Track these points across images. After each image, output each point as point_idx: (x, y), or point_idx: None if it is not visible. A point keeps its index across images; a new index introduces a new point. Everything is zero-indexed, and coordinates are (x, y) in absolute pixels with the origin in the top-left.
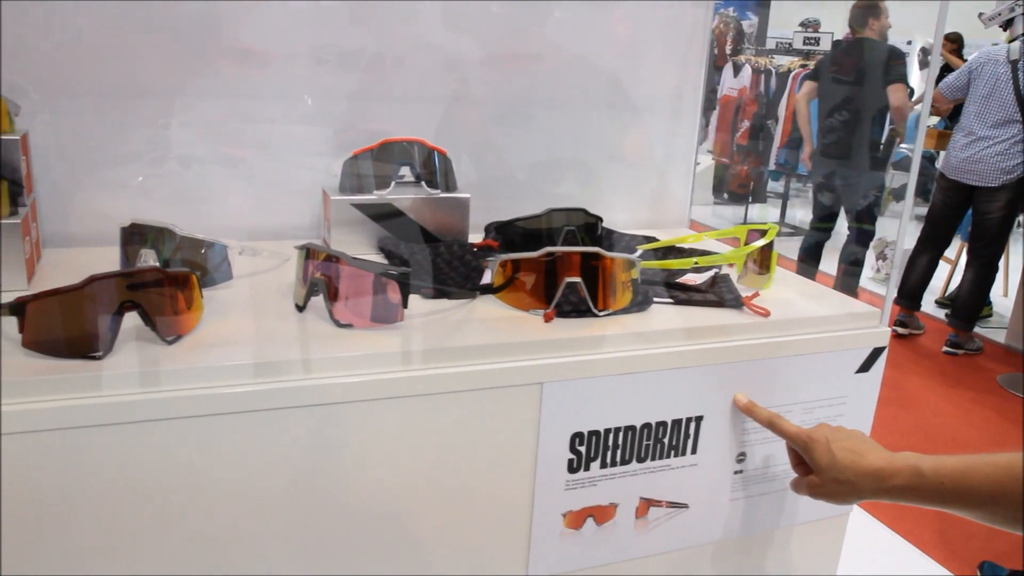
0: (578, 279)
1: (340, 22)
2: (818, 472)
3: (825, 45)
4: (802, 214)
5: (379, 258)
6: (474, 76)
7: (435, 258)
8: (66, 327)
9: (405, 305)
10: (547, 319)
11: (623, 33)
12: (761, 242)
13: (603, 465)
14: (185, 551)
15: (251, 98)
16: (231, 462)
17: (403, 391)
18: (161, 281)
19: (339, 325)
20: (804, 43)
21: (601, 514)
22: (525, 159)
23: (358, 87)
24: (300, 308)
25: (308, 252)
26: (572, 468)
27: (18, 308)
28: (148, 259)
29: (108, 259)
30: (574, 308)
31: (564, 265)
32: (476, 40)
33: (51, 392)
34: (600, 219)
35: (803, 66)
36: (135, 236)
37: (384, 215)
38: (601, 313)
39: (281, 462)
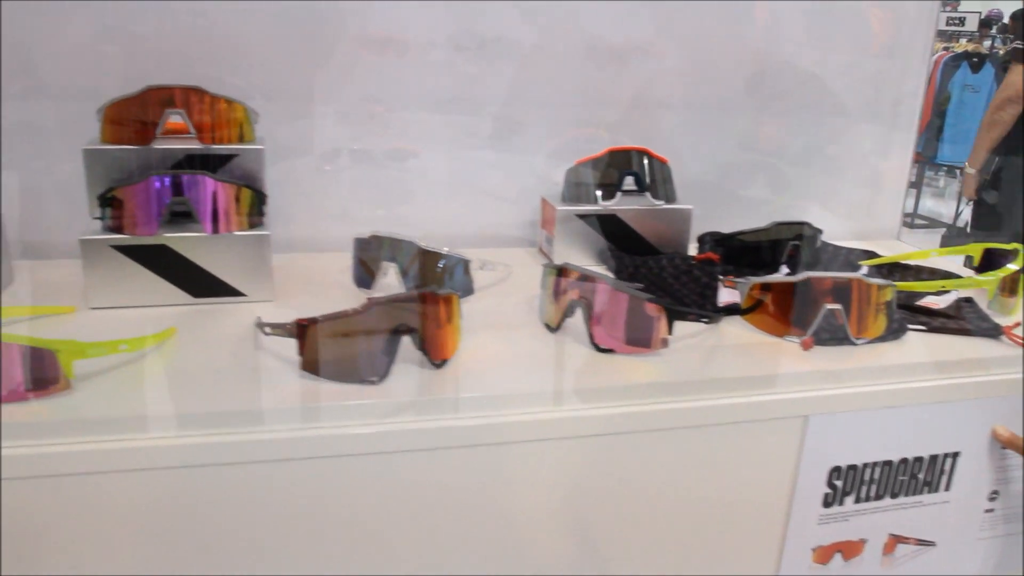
0: (838, 306)
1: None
2: None
3: (971, 25)
4: (931, 204)
5: (603, 270)
6: (653, 74)
7: (660, 271)
8: (345, 351)
9: (670, 332)
10: (806, 347)
11: (832, 31)
12: (1015, 266)
13: (857, 500)
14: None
15: (441, 102)
16: (516, 488)
17: (670, 423)
18: (437, 303)
19: (599, 350)
20: (946, 23)
21: (850, 549)
22: (716, 161)
23: (543, 85)
24: (553, 329)
25: (560, 271)
26: (827, 503)
27: (298, 330)
28: (389, 272)
29: (336, 266)
30: (832, 335)
31: (822, 290)
32: (658, 36)
33: (337, 418)
34: (820, 231)
35: (946, 48)
36: (371, 246)
37: (608, 226)
38: (859, 341)
39: (554, 490)
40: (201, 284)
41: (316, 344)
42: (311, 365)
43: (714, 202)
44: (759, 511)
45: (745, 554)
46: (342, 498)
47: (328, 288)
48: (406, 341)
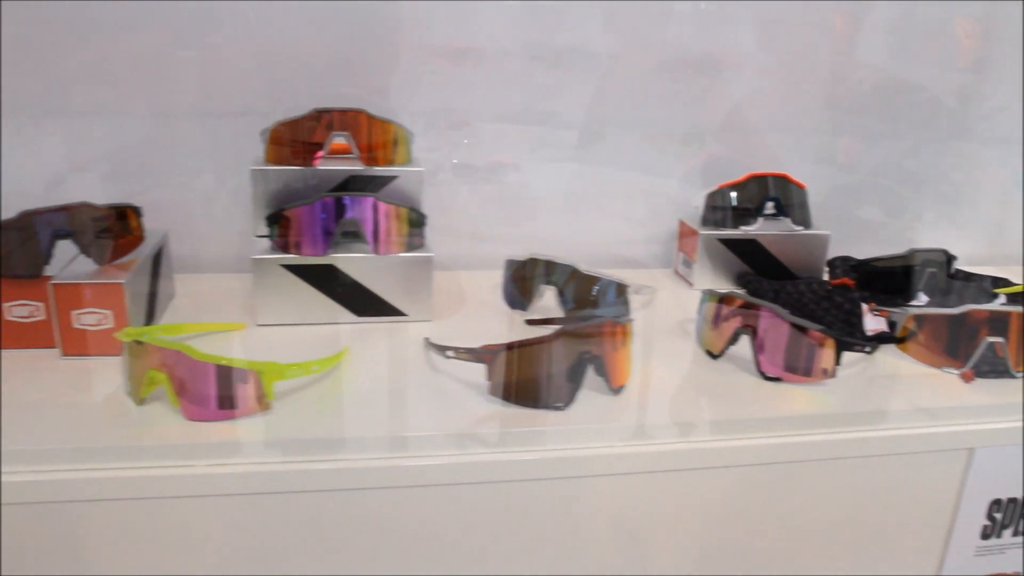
0: (1000, 339)
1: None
2: None
3: None
4: None
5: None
6: (747, 88)
7: (799, 296)
8: (533, 377)
9: (838, 362)
10: (967, 379)
11: (948, 46)
12: None
13: (1015, 533)
14: None
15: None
16: (696, 512)
17: (839, 453)
18: (618, 330)
19: (766, 378)
20: None
21: None
22: (823, 184)
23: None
24: (715, 356)
25: (723, 298)
26: (985, 535)
27: (488, 356)
28: (545, 294)
29: (480, 285)
30: (991, 368)
31: (982, 321)
32: (755, 47)
33: (537, 442)
34: (955, 258)
35: None
36: (526, 267)
37: (747, 250)
38: (1018, 374)
39: (724, 516)
40: (364, 303)
41: (505, 369)
42: (499, 390)
43: (827, 225)
44: (917, 541)
45: None
46: (542, 519)
47: (480, 308)
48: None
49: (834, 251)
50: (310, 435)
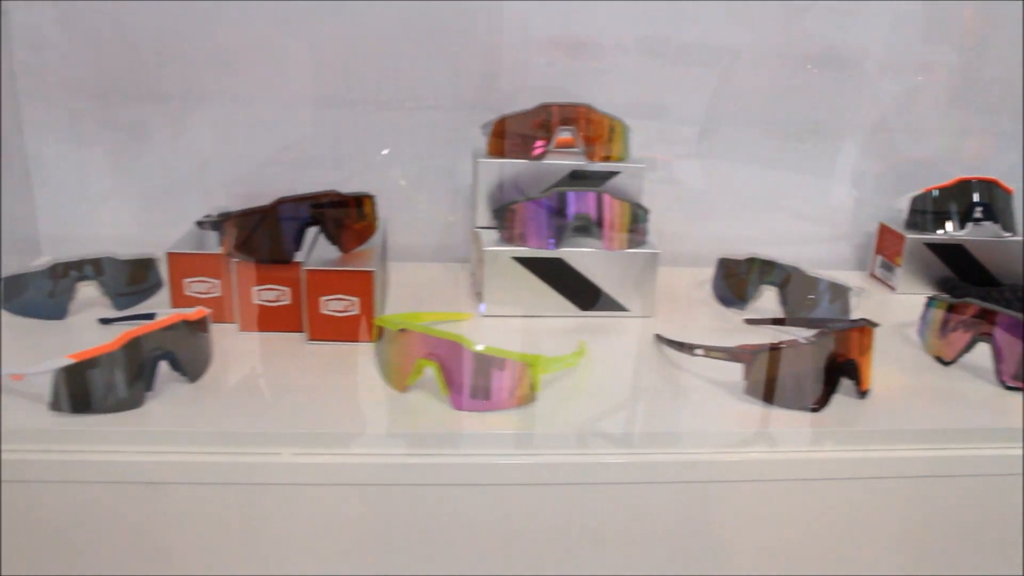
0: None
1: None
2: None
3: None
4: None
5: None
6: (897, 85)
7: (1008, 304)
8: (789, 378)
9: None
10: None
11: None
12: None
13: None
14: None
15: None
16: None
17: None
18: (864, 336)
19: (1006, 387)
20: None
21: None
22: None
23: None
24: (945, 363)
25: (953, 306)
26: None
27: (749, 356)
28: (764, 294)
29: (682, 282)
30: None
31: None
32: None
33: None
34: None
35: None
36: (742, 267)
37: (953, 255)
38: None
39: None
40: (589, 298)
41: (764, 369)
42: (757, 389)
43: None
44: None
45: None
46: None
47: (693, 305)
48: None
49: None
50: (579, 428)
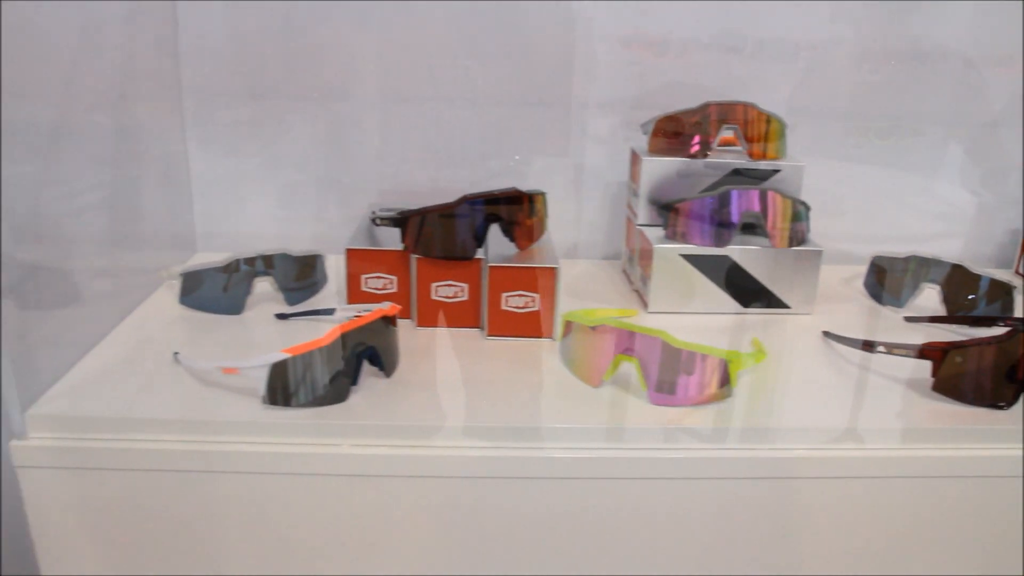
0: None
1: None
2: None
3: None
4: None
5: None
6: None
7: None
8: (978, 376)
9: None
10: None
11: None
12: None
13: None
14: None
15: None
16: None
17: None
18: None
19: None
20: None
21: None
22: None
23: None
24: None
25: None
26: None
27: (939, 354)
28: (924, 291)
29: (830, 279)
30: None
31: None
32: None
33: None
34: None
35: None
36: (899, 265)
37: None
38: None
39: None
40: (753, 295)
41: (952, 367)
42: (946, 386)
43: None
44: None
45: None
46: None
47: (847, 302)
48: None
49: None
50: (771, 424)
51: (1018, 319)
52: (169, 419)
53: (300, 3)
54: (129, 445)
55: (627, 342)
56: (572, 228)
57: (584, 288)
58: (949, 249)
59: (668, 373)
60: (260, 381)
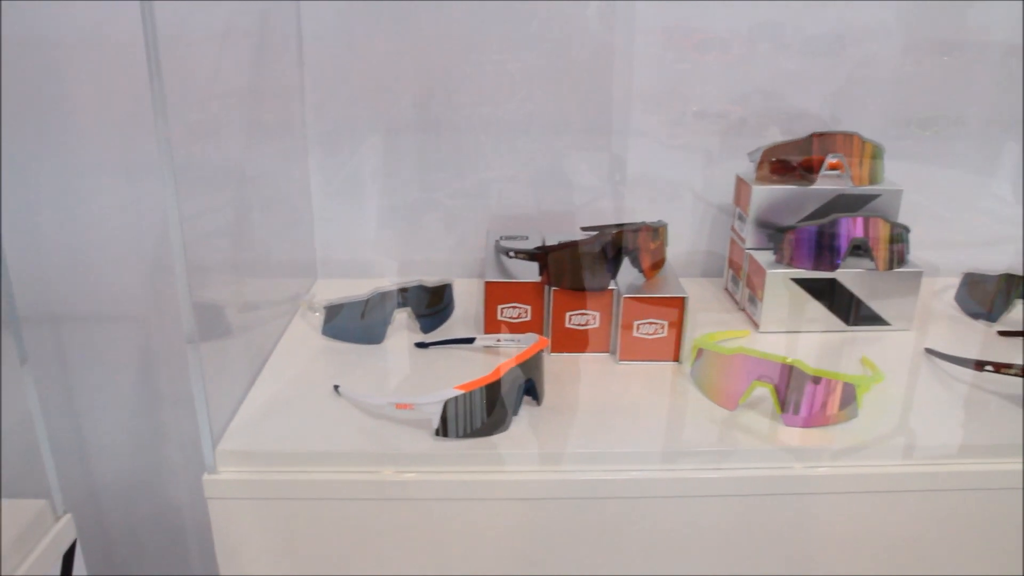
0: None
1: None
2: None
3: None
4: None
5: None
6: None
7: None
8: None
9: None
10: None
11: None
12: None
13: None
14: None
15: None
16: None
17: None
18: None
19: None
20: None
21: None
22: None
23: None
24: None
25: None
26: None
27: None
28: (1017, 307)
29: (927, 290)
30: None
31: None
32: None
33: None
34: None
35: None
36: (990, 281)
37: None
38: None
39: None
40: (857, 314)
41: None
42: None
43: None
44: None
45: None
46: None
47: (941, 319)
48: None
49: None
50: (897, 441)
51: None
52: (347, 452)
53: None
54: (310, 477)
55: (763, 369)
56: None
57: (693, 308)
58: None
59: (800, 396)
60: (434, 415)
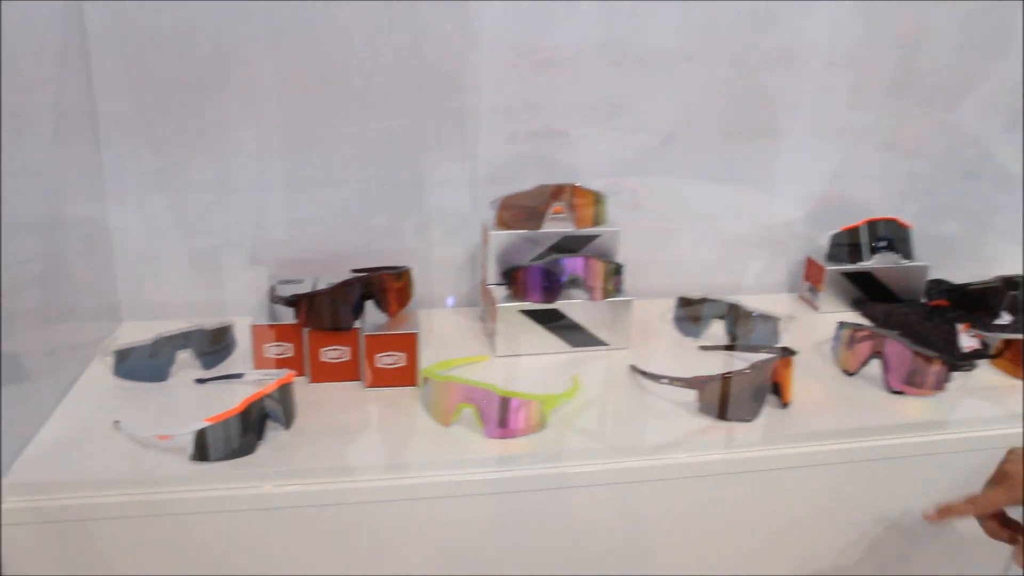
0: None
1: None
2: None
3: None
4: None
5: (858, 317)
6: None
7: (905, 317)
8: (732, 398)
9: (948, 379)
10: None
11: None
12: None
13: None
14: None
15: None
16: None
17: (953, 448)
18: (787, 363)
19: (892, 391)
20: None
21: None
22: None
23: None
24: (850, 374)
25: (857, 328)
26: None
27: (701, 384)
28: (714, 326)
29: (648, 315)
30: None
31: None
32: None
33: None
34: None
35: None
36: (696, 305)
37: (863, 280)
38: None
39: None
40: (578, 337)
41: (713, 393)
42: (708, 408)
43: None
44: None
45: (985, 552)
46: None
47: (657, 336)
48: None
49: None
50: (583, 445)
51: (779, 348)
52: (115, 478)
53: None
54: (84, 502)
55: (466, 393)
56: (446, 280)
57: (450, 336)
58: (759, 274)
59: (497, 413)
60: (188, 444)
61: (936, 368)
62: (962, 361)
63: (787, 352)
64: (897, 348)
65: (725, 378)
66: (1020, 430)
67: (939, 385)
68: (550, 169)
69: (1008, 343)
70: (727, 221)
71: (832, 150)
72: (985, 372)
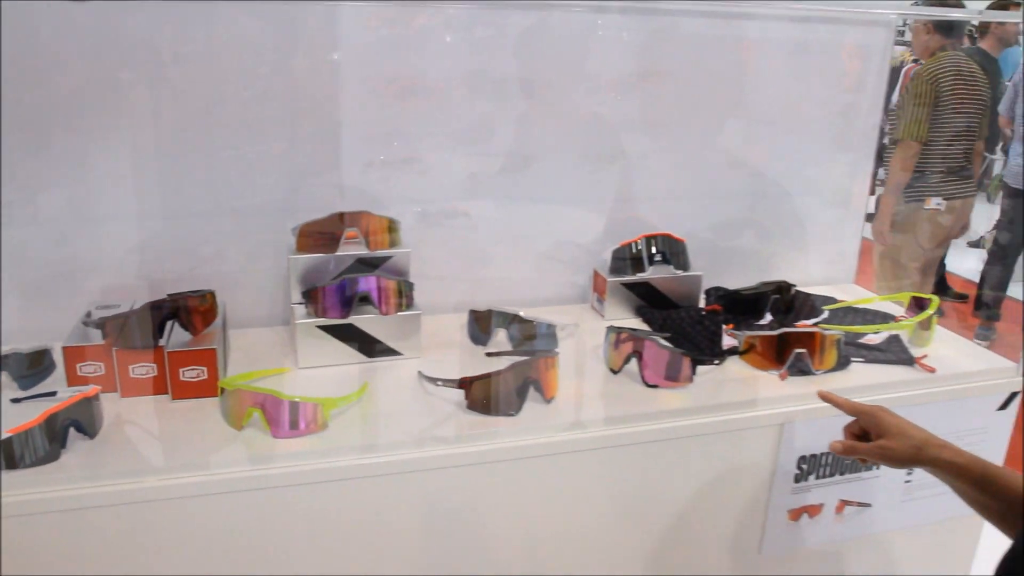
0: (804, 349)
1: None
2: (888, 436)
3: None
4: None
5: (639, 323)
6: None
7: (680, 321)
8: (495, 395)
9: (694, 372)
10: (783, 378)
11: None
12: (928, 313)
13: (817, 477)
14: None
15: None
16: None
17: (698, 432)
18: (548, 362)
19: (648, 385)
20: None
21: (813, 511)
22: (705, 220)
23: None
24: (615, 372)
25: (620, 331)
26: (796, 479)
27: (467, 384)
28: (499, 334)
29: (446, 327)
30: (800, 369)
31: (794, 338)
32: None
33: (504, 437)
34: (794, 286)
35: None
36: (483, 316)
37: (643, 290)
38: (818, 372)
39: (619, 486)
40: (374, 348)
41: (477, 391)
42: (474, 405)
43: (710, 256)
44: (753, 486)
45: (741, 514)
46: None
47: (451, 346)
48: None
49: (712, 279)
50: (359, 442)
51: (543, 351)
52: None
53: None
54: None
55: (254, 399)
56: (265, 302)
57: (261, 352)
58: (561, 288)
59: (281, 416)
60: None
61: (685, 363)
62: (710, 357)
63: (547, 353)
64: (651, 347)
65: (487, 378)
66: (754, 413)
67: (688, 378)
68: (400, 195)
69: (752, 341)
70: (536, 240)
71: (640, 170)
72: (735, 365)
